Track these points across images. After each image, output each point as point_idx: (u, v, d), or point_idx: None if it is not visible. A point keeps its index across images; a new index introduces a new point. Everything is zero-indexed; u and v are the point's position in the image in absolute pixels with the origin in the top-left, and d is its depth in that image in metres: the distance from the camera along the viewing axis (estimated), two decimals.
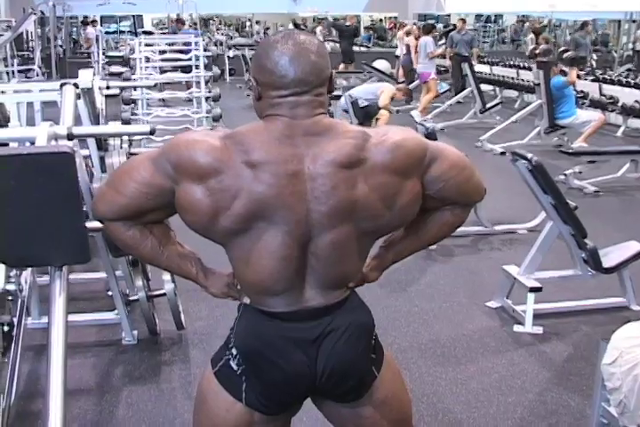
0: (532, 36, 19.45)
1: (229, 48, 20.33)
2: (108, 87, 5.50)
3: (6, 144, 3.44)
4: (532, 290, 4.46)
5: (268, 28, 27.78)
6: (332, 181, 1.78)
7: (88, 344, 4.21)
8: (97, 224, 3.32)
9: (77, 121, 4.01)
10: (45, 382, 2.55)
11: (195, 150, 1.78)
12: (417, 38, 15.25)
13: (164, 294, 4.14)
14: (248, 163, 1.75)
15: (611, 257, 4.61)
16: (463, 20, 15.71)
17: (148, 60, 10.72)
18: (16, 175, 2.52)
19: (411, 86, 14.49)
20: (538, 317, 4.50)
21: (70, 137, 3.09)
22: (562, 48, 13.65)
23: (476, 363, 4.09)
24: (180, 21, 18.29)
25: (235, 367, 1.97)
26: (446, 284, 5.29)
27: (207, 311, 4.61)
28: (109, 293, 4.20)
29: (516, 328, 4.48)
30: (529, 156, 4.40)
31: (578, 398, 3.71)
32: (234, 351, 1.97)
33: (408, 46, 15.36)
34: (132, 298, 4.22)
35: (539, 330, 4.43)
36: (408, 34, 15.94)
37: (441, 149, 1.93)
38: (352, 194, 1.80)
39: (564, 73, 10.13)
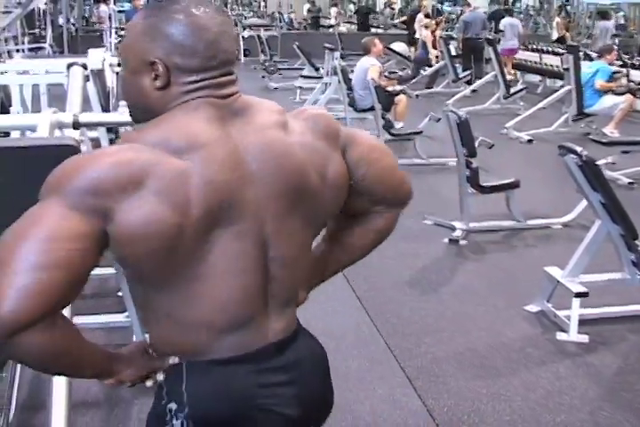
0: (557, 20, 19.06)
1: (244, 28, 19.96)
2: (119, 64, 5.15)
3: (7, 133, 3.10)
4: (578, 295, 4.10)
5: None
6: (271, 154, 1.48)
7: None
8: None
9: (86, 103, 3.67)
10: (48, 395, 2.26)
11: (112, 163, 1.34)
12: (433, 32, 15.12)
13: None
14: (177, 153, 1.37)
15: None
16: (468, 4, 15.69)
17: None
18: (13, 170, 2.20)
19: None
20: (581, 323, 4.14)
21: (76, 126, 2.75)
22: None
23: (519, 376, 3.74)
24: None
25: None
26: (480, 284, 4.93)
27: None
28: (119, 293, 3.87)
29: (560, 336, 4.12)
30: (579, 150, 4.04)
31: (633, 419, 3.37)
32: (179, 421, 1.51)
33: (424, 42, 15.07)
34: None
35: (584, 339, 4.08)
36: (426, 27, 15.59)
37: (353, 132, 1.68)
38: (293, 164, 1.50)
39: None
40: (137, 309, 1.62)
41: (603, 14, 17.93)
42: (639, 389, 3.62)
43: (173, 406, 1.52)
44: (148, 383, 1.57)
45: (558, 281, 4.28)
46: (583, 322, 4.16)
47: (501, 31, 15.25)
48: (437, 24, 16.05)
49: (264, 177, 1.47)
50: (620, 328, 4.27)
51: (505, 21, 15.32)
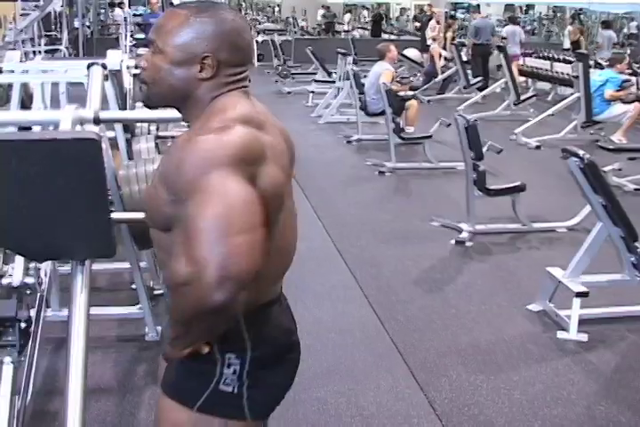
0: (569, 28, 19.16)
1: (258, 33, 20.10)
2: (136, 66, 5.27)
3: (29, 128, 3.22)
4: (579, 295, 4.20)
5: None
6: (279, 131, 1.80)
7: (109, 339, 4.00)
8: (123, 215, 3.16)
9: (104, 103, 3.79)
10: (64, 380, 2.37)
11: (250, 137, 1.63)
12: (445, 33, 15.33)
13: None
14: (261, 129, 1.68)
15: None
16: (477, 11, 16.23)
17: None
18: (37, 162, 2.30)
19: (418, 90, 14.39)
20: (582, 322, 4.24)
21: (97, 121, 2.87)
22: None
23: (519, 371, 3.85)
24: None
25: (229, 389, 1.74)
26: (484, 284, 5.05)
27: None
28: (133, 286, 3.99)
29: (560, 335, 4.23)
30: (581, 153, 4.15)
31: (628, 414, 3.47)
32: (231, 368, 1.74)
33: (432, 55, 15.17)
34: (156, 292, 4.01)
35: (584, 337, 4.18)
36: (433, 40, 15.75)
37: None
38: (289, 141, 1.86)
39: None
40: None
41: (606, 24, 18.25)
42: (636, 386, 3.72)
43: (230, 355, 1.73)
44: (206, 349, 1.72)
45: (560, 281, 4.38)
46: (583, 321, 4.26)
47: (504, 38, 15.56)
48: (449, 26, 16.27)
49: (287, 151, 1.80)
50: (619, 328, 4.37)
51: (507, 29, 15.89)
